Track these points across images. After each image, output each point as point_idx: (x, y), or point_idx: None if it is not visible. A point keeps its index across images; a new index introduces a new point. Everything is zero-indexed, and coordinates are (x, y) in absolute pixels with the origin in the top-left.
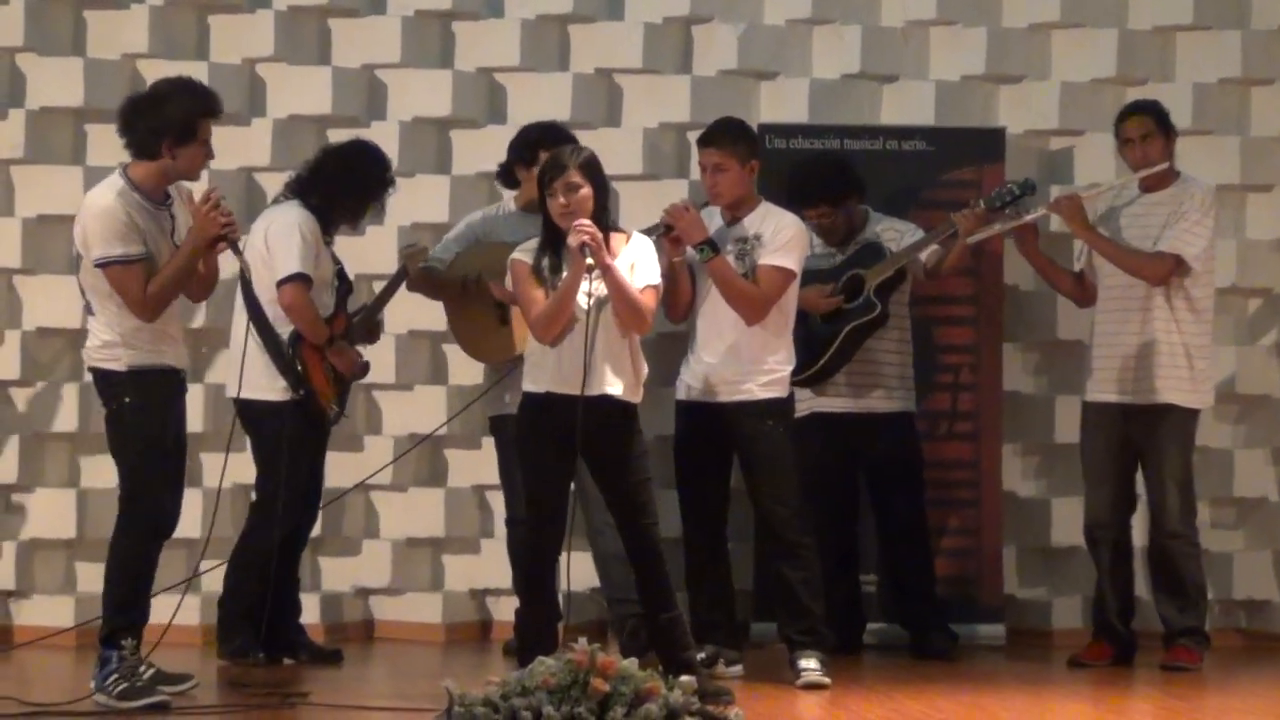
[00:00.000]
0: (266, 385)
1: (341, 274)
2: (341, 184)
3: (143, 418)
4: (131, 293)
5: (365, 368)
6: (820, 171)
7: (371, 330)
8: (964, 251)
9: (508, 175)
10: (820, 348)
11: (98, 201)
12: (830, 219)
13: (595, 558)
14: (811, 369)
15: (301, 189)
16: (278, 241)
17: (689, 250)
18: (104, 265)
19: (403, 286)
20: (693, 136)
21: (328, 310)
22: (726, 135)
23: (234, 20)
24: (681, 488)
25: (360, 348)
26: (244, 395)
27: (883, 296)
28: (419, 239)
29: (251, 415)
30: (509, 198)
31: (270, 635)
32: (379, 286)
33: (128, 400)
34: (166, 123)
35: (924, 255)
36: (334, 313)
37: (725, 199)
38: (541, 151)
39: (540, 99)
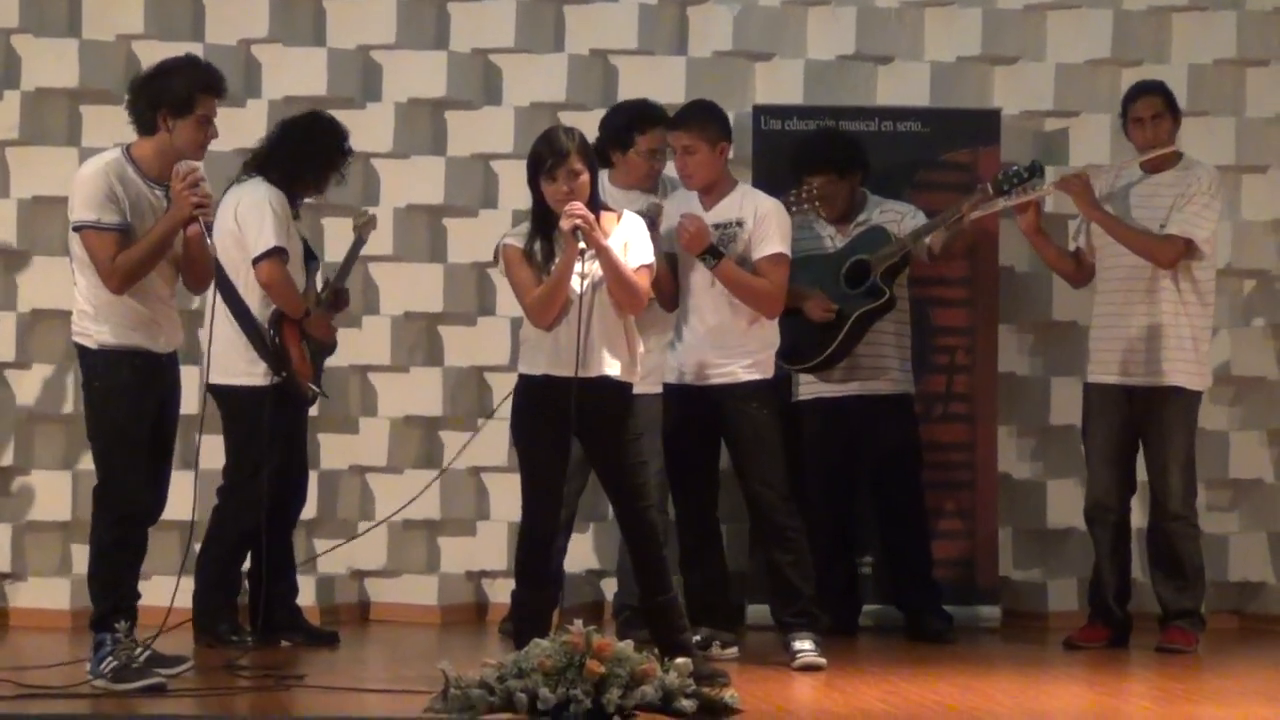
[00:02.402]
0: (245, 370)
1: (307, 248)
2: (302, 157)
3: (110, 403)
4: (100, 261)
5: (335, 340)
6: (829, 140)
7: (337, 302)
8: (969, 233)
9: (600, 157)
10: (828, 335)
11: (85, 169)
12: (832, 189)
13: (614, 543)
14: (819, 356)
15: (262, 165)
16: (249, 219)
17: (668, 238)
18: (78, 229)
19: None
20: None
21: (300, 285)
22: (695, 118)
23: (229, 1)
24: (671, 472)
25: (339, 331)
26: (222, 381)
27: (889, 282)
28: (368, 209)
29: (230, 401)
30: (603, 176)
31: (266, 617)
32: (373, 268)
33: (96, 384)
34: (165, 94)
35: (928, 239)
36: (305, 286)
37: (696, 182)
38: (636, 135)
39: (535, 80)
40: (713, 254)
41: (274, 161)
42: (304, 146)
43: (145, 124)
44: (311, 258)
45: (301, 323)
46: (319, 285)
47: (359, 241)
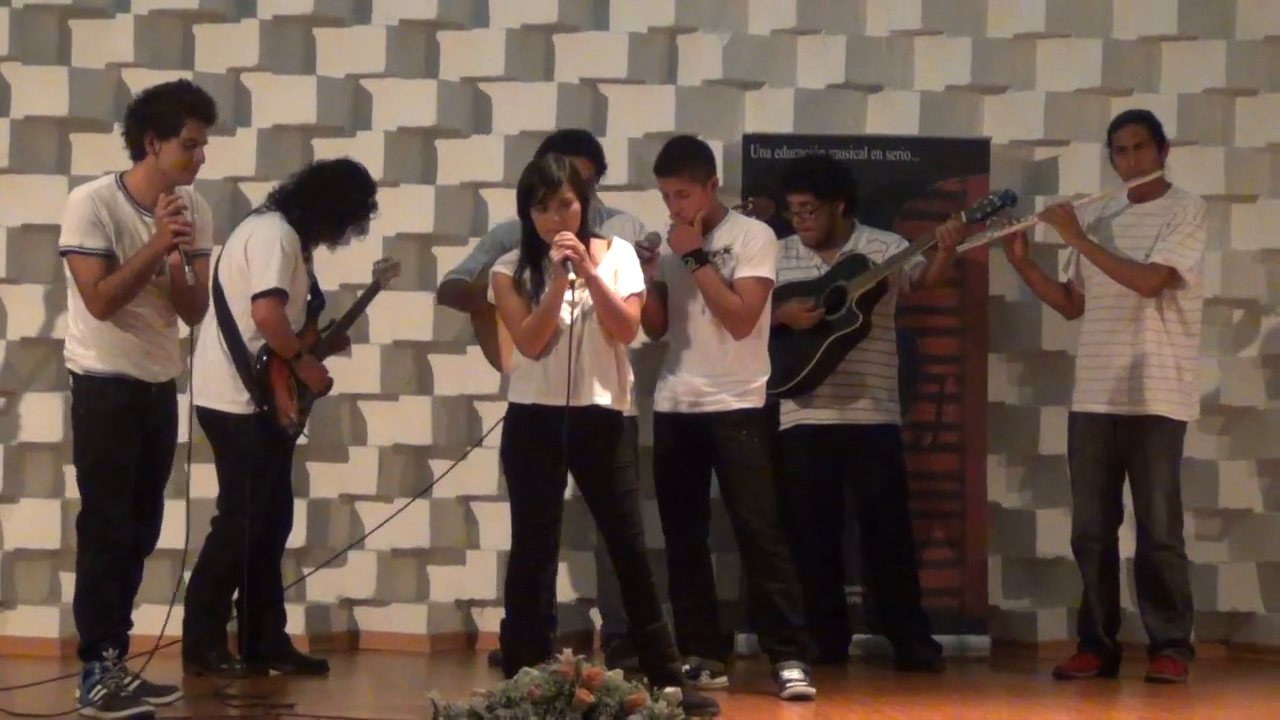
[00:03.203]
0: (230, 397)
1: (315, 289)
2: (323, 202)
3: (94, 429)
4: (83, 285)
5: (329, 383)
6: (815, 163)
7: (338, 344)
8: (947, 263)
9: None
10: (803, 360)
11: (74, 194)
12: (813, 213)
13: (598, 572)
14: (793, 380)
15: (283, 202)
16: (258, 254)
17: (661, 268)
18: (64, 254)
19: (375, 299)
20: None
21: (299, 325)
22: (683, 161)
23: (219, 30)
24: (661, 499)
25: (330, 360)
26: (208, 405)
27: (865, 308)
28: (393, 254)
29: (214, 426)
30: None
31: (255, 645)
32: (388, 298)
33: (82, 412)
34: (152, 117)
35: (908, 267)
36: (303, 327)
37: (691, 219)
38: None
39: (525, 109)
40: (697, 257)
41: (296, 201)
42: (326, 193)
43: (136, 148)
44: (317, 296)
45: (292, 363)
46: (320, 325)
47: (375, 287)
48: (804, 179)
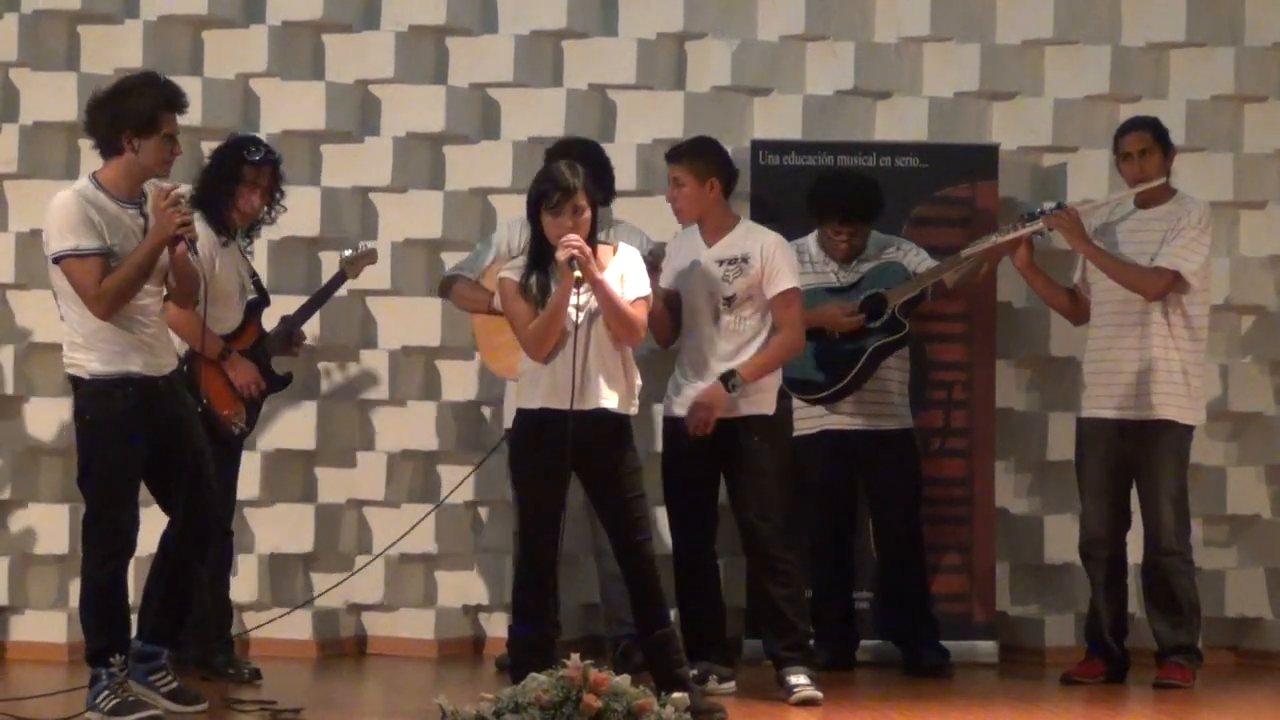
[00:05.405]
0: None
1: (258, 286)
2: (210, 180)
3: (102, 435)
4: (85, 287)
5: (283, 381)
6: (863, 193)
7: (290, 341)
8: (989, 272)
9: None
10: (843, 366)
11: (56, 199)
12: (858, 237)
13: (599, 577)
14: (835, 387)
15: (198, 199)
16: None
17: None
18: (58, 260)
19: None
20: None
21: (225, 324)
22: (687, 153)
23: (228, 35)
24: (670, 505)
25: (338, 366)
26: None
27: (906, 316)
28: (365, 244)
29: None
30: None
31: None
32: (371, 302)
33: (88, 418)
34: (127, 114)
35: (945, 276)
36: (243, 325)
37: (685, 215)
38: None
39: (534, 115)
40: (729, 384)
41: (201, 192)
42: (209, 170)
43: (109, 145)
44: (262, 295)
45: (219, 363)
46: (263, 322)
47: (340, 277)
48: (861, 210)
